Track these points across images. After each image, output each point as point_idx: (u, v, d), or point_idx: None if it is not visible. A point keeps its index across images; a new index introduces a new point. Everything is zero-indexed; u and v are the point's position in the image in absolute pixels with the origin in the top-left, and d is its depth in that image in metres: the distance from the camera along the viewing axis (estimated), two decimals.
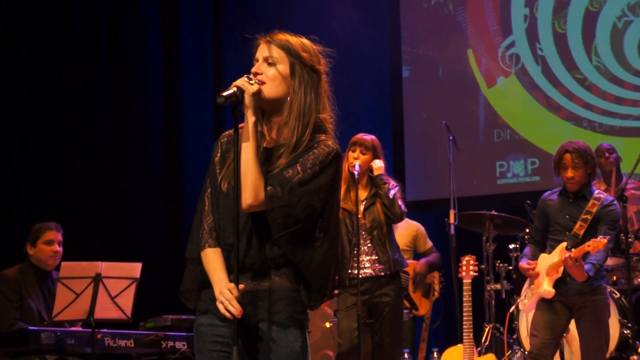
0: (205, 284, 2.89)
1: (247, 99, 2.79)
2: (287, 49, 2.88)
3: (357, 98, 8.49)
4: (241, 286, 2.75)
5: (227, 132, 3.01)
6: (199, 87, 8.66)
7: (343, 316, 5.55)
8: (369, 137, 5.63)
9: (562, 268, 5.32)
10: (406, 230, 6.81)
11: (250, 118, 2.79)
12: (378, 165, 5.57)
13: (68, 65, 7.88)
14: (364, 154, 5.56)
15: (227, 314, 2.71)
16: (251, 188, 2.74)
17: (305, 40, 2.95)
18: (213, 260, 2.85)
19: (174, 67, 8.56)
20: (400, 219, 5.69)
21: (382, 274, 5.52)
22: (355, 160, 5.54)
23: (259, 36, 2.94)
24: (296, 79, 2.87)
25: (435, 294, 6.85)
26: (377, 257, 5.52)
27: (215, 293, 2.76)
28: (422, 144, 8.37)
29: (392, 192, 5.54)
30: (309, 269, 2.80)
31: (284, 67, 2.87)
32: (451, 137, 6.88)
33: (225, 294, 2.72)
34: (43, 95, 7.70)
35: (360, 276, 5.43)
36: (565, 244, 5.34)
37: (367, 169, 5.61)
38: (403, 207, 5.59)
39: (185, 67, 8.62)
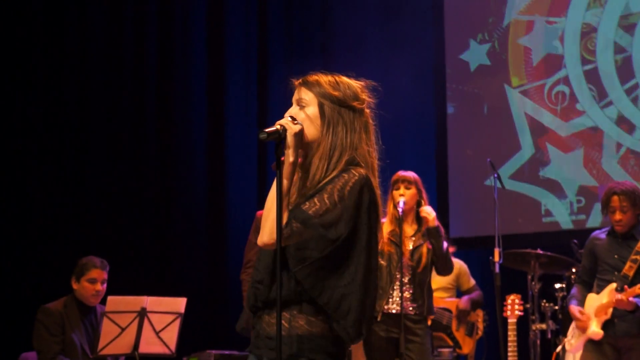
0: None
1: (290, 138, 2.80)
2: (317, 90, 2.89)
3: (401, 135, 8.49)
4: None
5: None
6: (243, 124, 8.72)
7: (369, 351, 5.49)
8: (409, 173, 5.63)
9: (610, 309, 5.26)
10: None
11: (290, 157, 2.80)
12: (432, 215, 5.51)
13: (115, 101, 7.99)
14: (408, 189, 5.55)
15: None
16: (269, 227, 2.75)
17: (341, 78, 2.94)
18: None
19: (219, 103, 8.63)
20: (446, 275, 5.70)
21: (413, 312, 5.46)
22: (400, 197, 5.53)
23: (294, 80, 2.96)
24: (325, 120, 2.87)
25: (479, 332, 6.79)
26: (412, 297, 5.47)
27: None
28: (467, 181, 8.34)
29: (445, 245, 5.51)
30: (330, 303, 2.76)
31: (313, 109, 2.88)
32: (496, 175, 6.84)
33: None
34: (92, 131, 7.80)
35: (391, 312, 5.38)
36: (614, 284, 5.29)
37: (414, 205, 5.58)
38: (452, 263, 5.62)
39: (231, 103, 8.69)
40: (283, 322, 2.77)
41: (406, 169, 5.75)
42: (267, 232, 2.76)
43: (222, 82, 8.67)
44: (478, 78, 8.48)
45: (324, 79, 2.92)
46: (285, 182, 2.77)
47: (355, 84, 2.95)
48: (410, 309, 5.45)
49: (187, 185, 8.34)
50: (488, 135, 8.34)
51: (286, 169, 2.79)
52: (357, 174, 2.82)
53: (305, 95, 2.90)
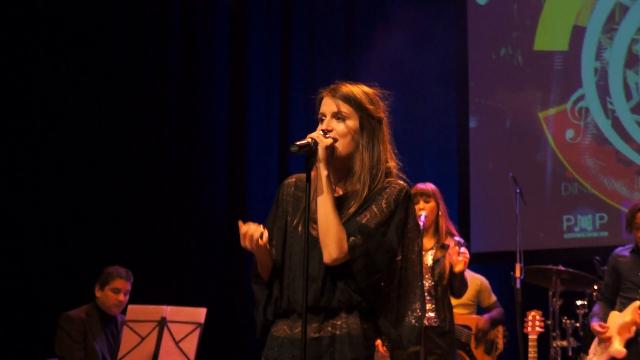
0: (271, 330, 2.93)
1: (321, 152, 2.83)
2: (355, 103, 2.91)
3: (423, 148, 8.48)
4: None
5: (292, 180, 3.04)
6: (264, 133, 8.73)
7: None
8: (427, 186, 5.61)
9: (634, 327, 5.23)
10: (470, 284, 6.70)
11: (323, 171, 2.83)
12: (460, 266, 5.46)
13: (136, 116, 8.03)
14: (427, 202, 5.54)
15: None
16: (335, 242, 2.78)
17: (366, 89, 2.97)
18: None
19: (240, 112, 8.64)
20: (456, 297, 5.68)
21: (436, 324, 5.43)
22: (421, 211, 5.51)
23: (322, 90, 2.97)
24: (365, 133, 2.90)
25: (499, 348, 6.73)
26: (435, 310, 5.45)
27: None
28: (488, 196, 8.30)
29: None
30: (390, 311, 2.84)
31: (353, 122, 2.90)
32: (518, 190, 6.81)
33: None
34: (113, 141, 7.84)
35: None
36: (638, 302, 5.25)
37: (434, 218, 5.57)
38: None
39: (252, 113, 8.70)
40: (330, 329, 2.82)
41: (428, 182, 5.73)
42: (334, 247, 2.78)
43: (244, 92, 8.67)
44: (501, 92, 8.45)
45: (357, 90, 2.94)
46: (328, 196, 2.81)
47: (375, 92, 2.99)
48: (435, 322, 5.42)
49: (207, 195, 8.35)
50: (510, 149, 8.31)
51: (324, 184, 2.82)
52: (402, 185, 2.90)
53: (344, 107, 2.91)
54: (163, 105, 8.21)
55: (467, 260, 5.41)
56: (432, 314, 5.44)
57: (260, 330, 2.97)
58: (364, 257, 2.78)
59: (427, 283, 5.45)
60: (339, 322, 2.81)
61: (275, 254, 2.94)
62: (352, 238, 2.79)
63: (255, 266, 3.00)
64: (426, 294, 5.42)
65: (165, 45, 8.28)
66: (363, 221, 2.81)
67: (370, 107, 2.92)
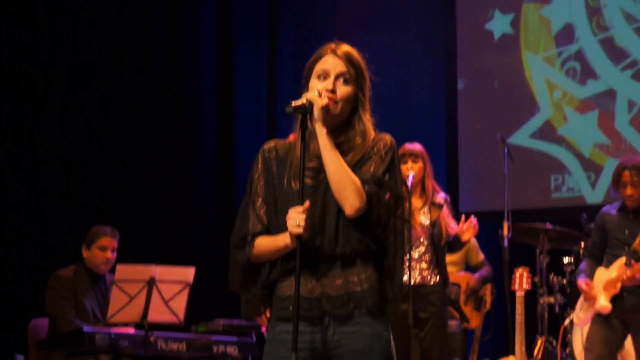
0: (277, 289, 2.91)
1: (317, 112, 2.84)
2: (359, 69, 2.95)
3: (412, 109, 8.47)
4: (306, 203, 2.78)
5: (272, 144, 3.05)
6: (252, 95, 8.72)
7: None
8: (415, 146, 5.62)
9: (619, 284, 5.27)
10: None
11: (322, 129, 2.84)
12: (467, 236, 5.53)
13: (125, 74, 8.01)
14: (415, 162, 5.55)
15: (297, 230, 2.74)
16: (355, 192, 2.79)
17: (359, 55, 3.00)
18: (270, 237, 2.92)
19: (228, 74, 8.63)
20: (455, 252, 5.78)
21: (433, 283, 5.46)
22: (409, 171, 5.52)
23: (326, 46, 2.96)
24: (365, 99, 2.95)
25: (487, 305, 6.79)
26: (433, 268, 5.48)
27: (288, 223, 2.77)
28: (476, 156, 8.32)
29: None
30: (396, 258, 2.88)
31: (354, 86, 2.92)
32: (506, 150, 6.83)
33: (292, 214, 2.76)
34: (102, 102, 7.82)
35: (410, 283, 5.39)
36: (624, 259, 5.29)
37: (421, 178, 5.59)
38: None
39: (240, 74, 8.68)
40: (349, 285, 2.83)
41: (416, 142, 5.73)
42: (355, 197, 2.78)
43: (231, 57, 8.67)
44: (489, 54, 8.44)
45: (358, 55, 2.97)
46: (333, 152, 2.82)
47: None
48: (430, 280, 5.46)
49: (196, 155, 8.35)
50: (498, 110, 8.32)
51: (327, 141, 2.83)
52: (389, 136, 2.95)
53: (350, 71, 2.93)
54: (150, 72, 8.20)
55: (476, 231, 5.51)
56: (426, 273, 5.47)
57: (260, 290, 2.94)
58: (379, 203, 2.82)
59: (424, 243, 5.48)
60: (356, 279, 2.83)
61: (268, 221, 2.94)
62: (366, 186, 2.82)
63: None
64: (424, 254, 5.47)
65: (152, 20, 8.26)
66: (371, 170, 2.85)
67: (367, 73, 2.96)
